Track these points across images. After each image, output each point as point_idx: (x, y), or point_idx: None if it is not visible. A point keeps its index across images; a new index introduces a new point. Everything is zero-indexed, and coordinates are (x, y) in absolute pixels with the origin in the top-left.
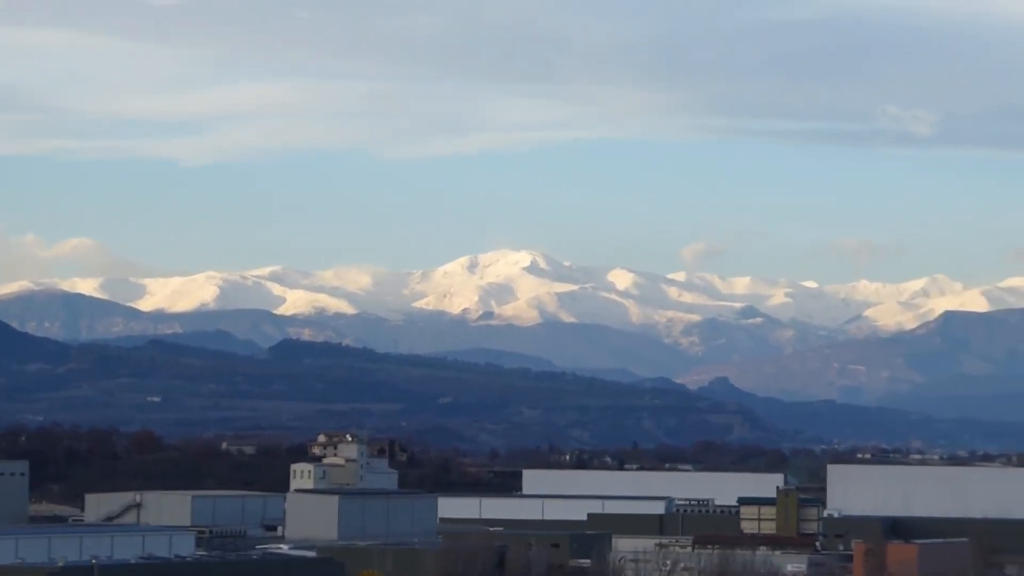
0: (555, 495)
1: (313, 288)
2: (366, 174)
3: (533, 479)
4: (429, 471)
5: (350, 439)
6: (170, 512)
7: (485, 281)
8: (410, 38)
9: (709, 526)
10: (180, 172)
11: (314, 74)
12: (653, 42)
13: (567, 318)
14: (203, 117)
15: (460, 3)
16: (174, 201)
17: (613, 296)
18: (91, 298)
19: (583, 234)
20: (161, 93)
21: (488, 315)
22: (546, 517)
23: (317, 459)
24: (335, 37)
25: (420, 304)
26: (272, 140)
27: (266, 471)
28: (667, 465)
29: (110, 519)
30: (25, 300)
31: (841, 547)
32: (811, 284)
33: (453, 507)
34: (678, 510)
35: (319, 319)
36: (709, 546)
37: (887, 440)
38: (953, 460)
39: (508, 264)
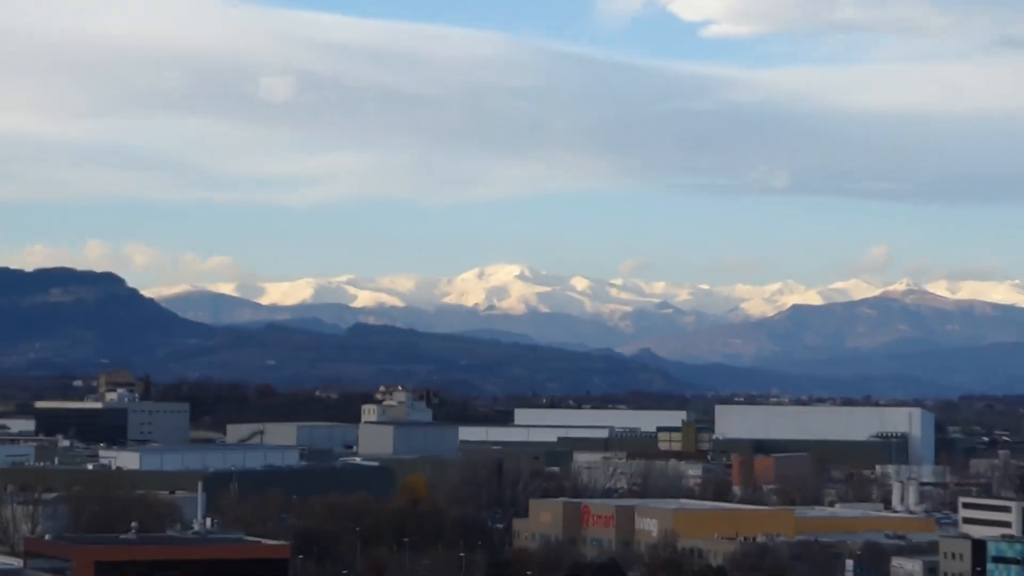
0: (536, 425)
1: (376, 289)
2: (412, 213)
3: (522, 415)
4: (452, 410)
5: (401, 389)
6: (282, 437)
7: (489, 285)
8: (441, 123)
9: (637, 446)
10: (289, 212)
11: (377, 147)
12: (605, 125)
13: (544, 309)
14: (305, 176)
15: (473, 99)
16: (285, 231)
17: (574, 295)
18: (229, 296)
19: (555, 252)
20: (277, 160)
21: (491, 308)
22: (530, 439)
23: (379, 402)
24: (392, 123)
25: (447, 300)
26: (351, 191)
27: (346, 410)
28: (610, 406)
29: (242, 441)
30: (186, 298)
31: (724, 459)
32: (705, 286)
33: (468, 433)
34: (617, 435)
35: (380, 310)
36: (638, 458)
37: (755, 389)
38: (799, 402)
39: (505, 274)
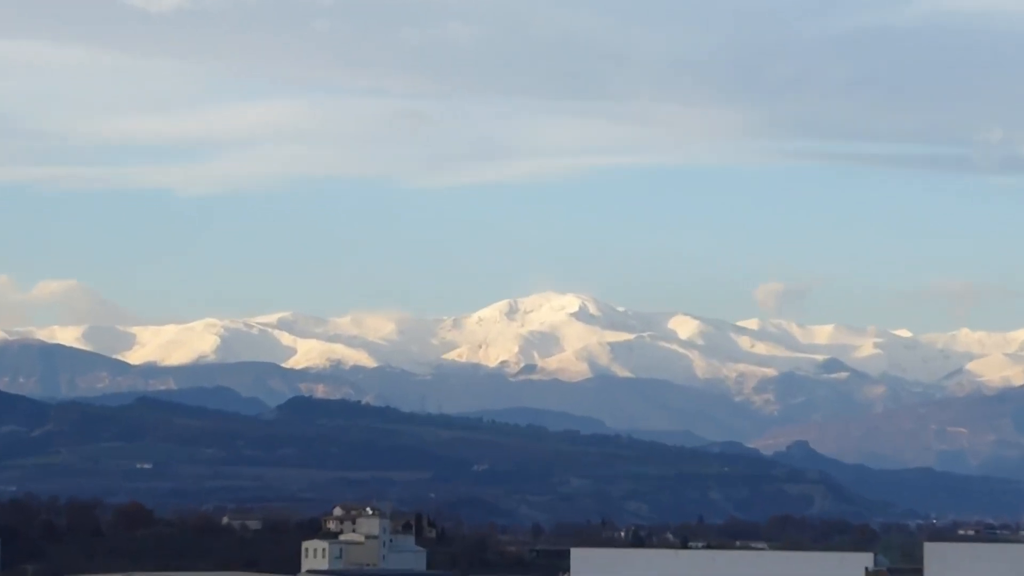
0: None
1: (328, 338)
2: (390, 206)
3: (583, 559)
4: (462, 549)
5: (371, 512)
6: None
7: (526, 329)
8: (442, 50)
9: None
10: (176, 203)
11: (332, 91)
12: (721, 56)
13: (621, 372)
14: (203, 140)
15: (500, 11)
16: (169, 237)
17: (675, 347)
18: (73, 349)
19: (640, 275)
20: (155, 112)
21: (530, 368)
22: None
23: (333, 535)
24: (357, 49)
25: (451, 356)
26: (282, 167)
27: (274, 549)
28: (738, 543)
29: None
30: None
31: None
32: (904, 333)
33: None
34: None
35: (335, 373)
36: None
37: (994, 514)
38: None
39: (553, 310)
